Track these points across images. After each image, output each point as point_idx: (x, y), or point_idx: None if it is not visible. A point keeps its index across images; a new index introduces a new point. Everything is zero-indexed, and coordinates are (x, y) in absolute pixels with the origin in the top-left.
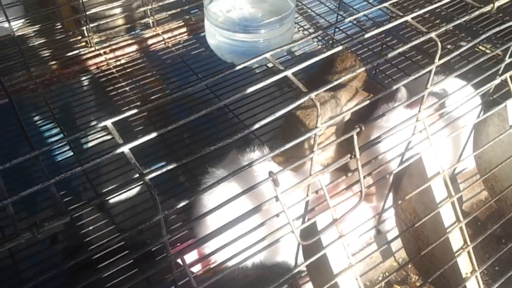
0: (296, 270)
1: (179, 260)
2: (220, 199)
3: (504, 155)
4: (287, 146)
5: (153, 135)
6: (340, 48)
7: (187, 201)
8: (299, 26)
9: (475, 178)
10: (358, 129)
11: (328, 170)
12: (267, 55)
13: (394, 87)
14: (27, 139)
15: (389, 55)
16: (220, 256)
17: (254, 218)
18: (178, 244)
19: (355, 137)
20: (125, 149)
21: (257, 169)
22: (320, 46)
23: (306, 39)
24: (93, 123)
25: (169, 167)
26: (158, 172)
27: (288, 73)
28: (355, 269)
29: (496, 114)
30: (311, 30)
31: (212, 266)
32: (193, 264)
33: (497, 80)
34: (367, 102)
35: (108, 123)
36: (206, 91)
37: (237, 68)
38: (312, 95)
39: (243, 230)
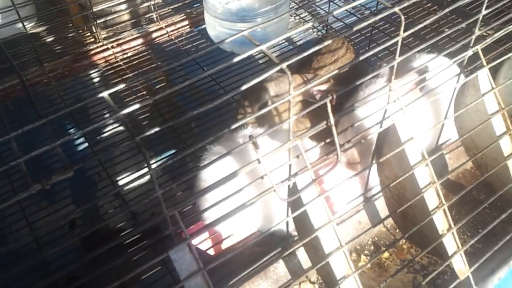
0: (280, 223)
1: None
2: (215, 170)
3: (481, 123)
4: (263, 111)
5: (150, 99)
6: (310, 24)
7: (175, 159)
8: (295, 15)
9: (460, 148)
10: (330, 97)
11: (305, 136)
12: (245, 33)
13: (361, 58)
14: (34, 107)
15: (355, 28)
16: (214, 214)
17: (245, 184)
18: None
19: (329, 104)
20: (120, 114)
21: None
22: (315, 33)
23: (296, 23)
24: (107, 115)
25: (157, 129)
26: (147, 133)
27: (263, 47)
28: (334, 224)
29: (471, 85)
30: (308, 18)
31: (207, 228)
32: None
33: (469, 52)
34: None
35: (105, 94)
36: (209, 80)
37: (236, 59)
38: (284, 65)
39: (235, 191)
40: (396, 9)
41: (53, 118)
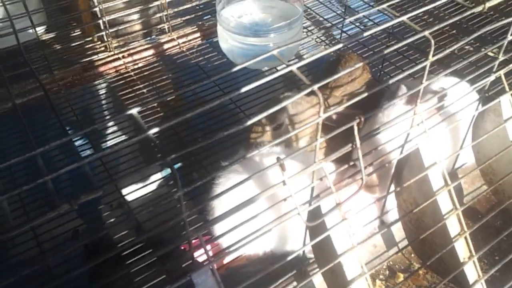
0: (302, 250)
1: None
2: (233, 190)
3: (500, 149)
4: (294, 132)
5: (173, 122)
6: (340, 45)
7: (204, 180)
8: (307, 31)
9: (474, 173)
10: (358, 120)
11: (331, 158)
12: (274, 52)
13: (385, 84)
14: (62, 125)
15: (386, 51)
16: (232, 239)
17: (264, 205)
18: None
19: (355, 127)
20: (149, 133)
21: (267, 162)
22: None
23: (308, 40)
24: (111, 123)
25: (180, 153)
26: (178, 154)
27: (293, 67)
28: (357, 250)
29: (492, 110)
30: (319, 35)
31: (225, 251)
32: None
33: (491, 77)
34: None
35: (134, 111)
36: (219, 94)
37: (238, 67)
38: (315, 86)
39: (254, 215)
40: (426, 33)
41: (79, 134)
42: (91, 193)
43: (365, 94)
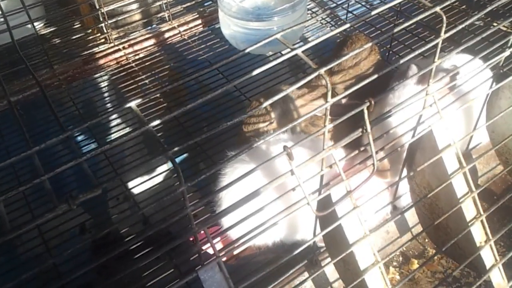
0: (313, 240)
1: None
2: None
3: None
4: (301, 119)
5: (175, 113)
6: (346, 26)
7: (208, 173)
8: (311, 13)
9: (489, 152)
10: (368, 103)
11: (340, 145)
12: (278, 35)
13: (397, 64)
14: (58, 121)
15: (395, 30)
16: (240, 231)
17: (272, 195)
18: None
19: (365, 111)
20: (150, 126)
21: (274, 151)
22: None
23: (313, 22)
24: (115, 115)
25: (191, 142)
26: (180, 147)
27: (298, 51)
28: (370, 238)
29: (507, 86)
30: (324, 16)
31: (233, 244)
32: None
33: (506, 52)
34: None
35: (132, 104)
36: (223, 81)
37: (246, 51)
38: (322, 70)
39: (262, 205)
40: (437, 8)
41: (77, 130)
42: (90, 192)
43: (374, 77)
